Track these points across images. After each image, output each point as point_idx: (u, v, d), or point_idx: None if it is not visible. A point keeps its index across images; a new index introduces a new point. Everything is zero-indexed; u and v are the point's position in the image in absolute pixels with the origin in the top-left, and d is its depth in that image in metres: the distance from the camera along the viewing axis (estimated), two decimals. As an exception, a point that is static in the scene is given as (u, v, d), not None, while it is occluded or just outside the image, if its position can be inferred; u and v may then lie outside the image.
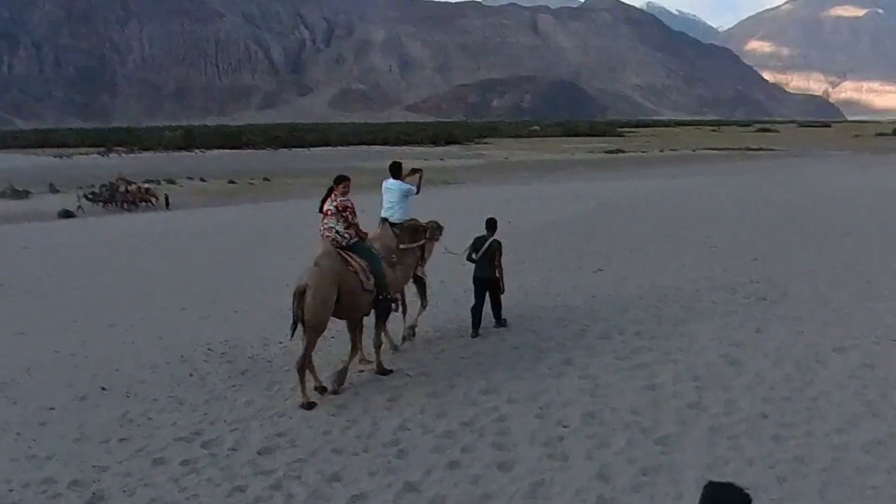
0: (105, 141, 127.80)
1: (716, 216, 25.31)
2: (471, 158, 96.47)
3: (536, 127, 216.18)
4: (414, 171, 11.71)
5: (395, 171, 11.26)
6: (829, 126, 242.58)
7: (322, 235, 10.05)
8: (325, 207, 10.06)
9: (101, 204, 39.81)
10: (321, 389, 9.63)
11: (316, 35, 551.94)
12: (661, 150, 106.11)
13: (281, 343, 12.18)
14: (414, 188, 11.32)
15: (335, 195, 10.04)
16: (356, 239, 10.03)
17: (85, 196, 40.31)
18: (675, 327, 11.85)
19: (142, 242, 25.97)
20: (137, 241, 26.62)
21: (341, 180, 10.16)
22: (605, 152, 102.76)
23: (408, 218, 11.27)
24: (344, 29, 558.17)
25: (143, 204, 40.52)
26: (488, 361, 10.65)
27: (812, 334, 11.27)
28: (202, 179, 56.93)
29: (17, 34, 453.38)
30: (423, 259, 11.71)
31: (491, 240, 12.17)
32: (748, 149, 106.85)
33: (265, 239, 25.31)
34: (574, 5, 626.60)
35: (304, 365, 9.38)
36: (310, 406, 9.20)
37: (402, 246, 10.97)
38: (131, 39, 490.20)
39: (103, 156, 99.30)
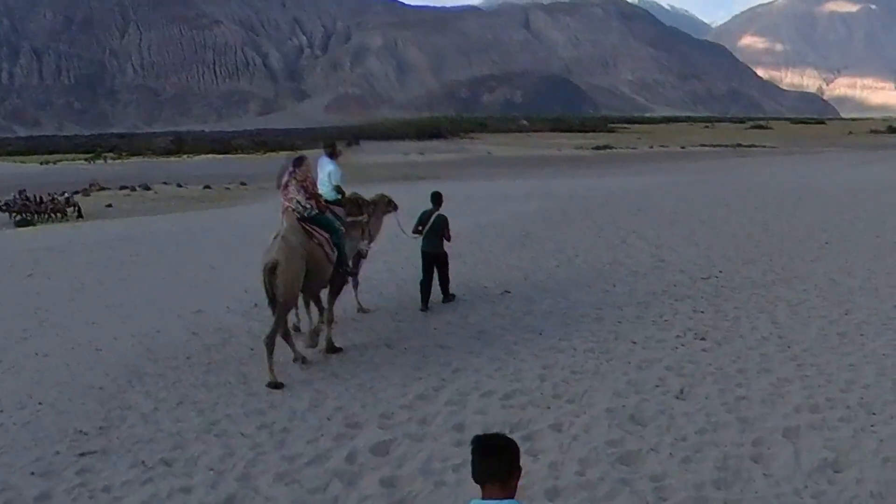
0: (96, 147, 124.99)
1: (677, 220, 21.89)
2: (453, 153, 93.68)
3: (525, 122, 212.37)
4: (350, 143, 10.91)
5: (329, 149, 11.42)
6: (824, 123, 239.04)
7: (284, 209, 9.75)
8: (284, 180, 9.79)
9: (12, 215, 36.26)
10: (301, 359, 9.56)
11: (314, 42, 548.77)
12: (651, 147, 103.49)
13: (40, 404, 8.87)
14: (335, 168, 11.15)
15: (293, 169, 9.78)
16: (317, 210, 9.75)
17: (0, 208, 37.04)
18: (563, 387, 8.38)
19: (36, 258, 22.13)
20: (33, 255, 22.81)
21: (300, 162, 9.91)
22: (593, 148, 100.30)
23: (338, 195, 11.06)
24: (341, 36, 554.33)
25: (58, 215, 36.79)
26: (271, 441, 7.25)
27: (755, 402, 7.82)
28: (179, 185, 53.86)
29: (17, 42, 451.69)
30: (364, 233, 11.48)
31: (437, 214, 12.17)
32: (739, 146, 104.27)
33: (164, 253, 21.71)
34: (566, 0, 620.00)
35: (273, 342, 9.03)
36: (277, 386, 8.80)
37: (349, 219, 10.88)
38: (130, 47, 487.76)
39: (89, 162, 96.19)
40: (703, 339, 10.12)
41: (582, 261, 15.97)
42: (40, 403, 8.94)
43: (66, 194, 39.68)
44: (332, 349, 10.01)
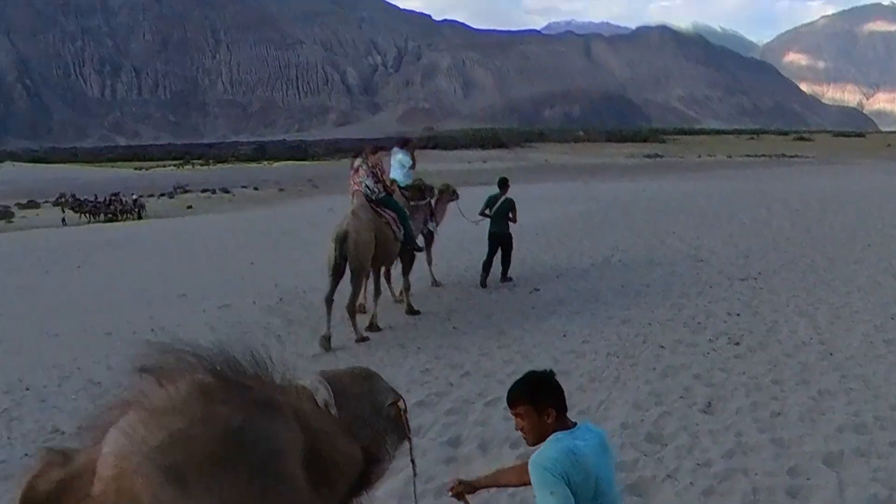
0: (185, 155, 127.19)
1: (718, 222, 20.11)
2: (513, 161, 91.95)
3: (581, 133, 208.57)
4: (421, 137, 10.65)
5: (402, 143, 11.45)
6: (863, 136, 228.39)
7: (353, 191, 9.80)
8: (356, 164, 9.87)
9: (84, 215, 36.37)
10: (362, 339, 9.17)
11: (387, 62, 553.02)
12: (699, 157, 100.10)
13: (27, 390, 7.88)
14: (409, 159, 11.13)
15: (366, 154, 9.82)
16: (384, 194, 9.79)
17: (70, 208, 37.37)
18: (577, 397, 6.94)
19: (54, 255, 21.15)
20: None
21: (377, 150, 10.05)
22: (644, 157, 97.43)
23: (410, 181, 11.10)
24: (413, 56, 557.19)
25: (123, 215, 36.52)
26: None
27: (793, 419, 6.25)
28: (255, 188, 53.79)
29: (119, 61, 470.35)
30: (433, 217, 11.67)
31: (504, 198, 12.24)
32: (783, 156, 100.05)
33: (208, 247, 20.91)
34: (625, 32, 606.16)
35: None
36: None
37: (412, 203, 10.82)
38: (221, 65, 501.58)
39: (178, 168, 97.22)
40: (737, 343, 8.57)
41: (618, 260, 14.43)
42: (27, 389, 7.90)
43: (135, 196, 39.48)
44: (411, 311, 10.41)
